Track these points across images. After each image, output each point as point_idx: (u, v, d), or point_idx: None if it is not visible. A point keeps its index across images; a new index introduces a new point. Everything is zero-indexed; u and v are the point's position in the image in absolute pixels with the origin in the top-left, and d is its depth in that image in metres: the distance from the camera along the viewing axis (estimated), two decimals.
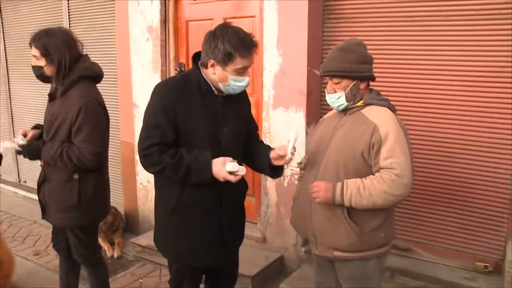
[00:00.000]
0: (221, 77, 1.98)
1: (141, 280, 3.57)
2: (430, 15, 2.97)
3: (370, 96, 2.10)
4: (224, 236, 2.17)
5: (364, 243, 2.03)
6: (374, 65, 2.12)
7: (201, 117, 2.02)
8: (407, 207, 3.24)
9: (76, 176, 2.47)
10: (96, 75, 2.55)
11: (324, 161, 2.09)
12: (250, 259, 3.54)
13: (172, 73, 4.05)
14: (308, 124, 3.36)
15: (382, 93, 2.19)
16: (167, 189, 2.12)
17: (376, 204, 1.95)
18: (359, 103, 2.09)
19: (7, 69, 5.91)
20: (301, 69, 3.30)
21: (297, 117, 3.37)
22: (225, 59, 1.93)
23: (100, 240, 4.17)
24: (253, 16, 3.59)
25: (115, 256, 4.04)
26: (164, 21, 3.98)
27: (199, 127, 2.02)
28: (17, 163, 6.01)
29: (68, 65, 2.40)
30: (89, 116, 2.37)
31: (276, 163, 2.13)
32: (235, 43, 1.91)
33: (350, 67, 2.02)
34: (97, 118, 2.44)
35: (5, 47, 5.85)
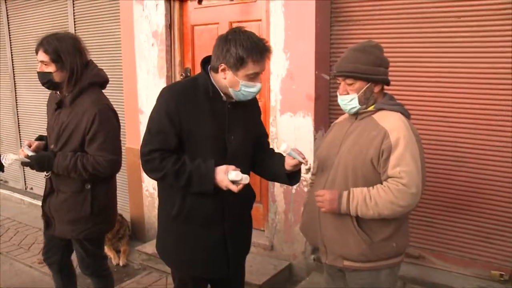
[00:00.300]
0: (232, 82, 1.92)
1: None
2: (442, 16, 2.90)
3: (382, 100, 2.02)
4: (227, 247, 2.10)
5: (375, 253, 1.95)
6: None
7: (207, 123, 1.96)
8: (420, 213, 3.15)
9: (88, 187, 2.40)
10: (103, 81, 2.50)
11: (334, 167, 2.02)
12: (258, 267, 3.47)
13: (178, 78, 4.00)
14: (316, 129, 3.29)
15: (395, 95, 2.12)
16: (169, 196, 2.06)
17: (383, 215, 1.88)
18: (371, 108, 2.01)
19: (14, 77, 5.91)
20: (309, 73, 3.24)
21: (305, 122, 3.30)
22: (237, 64, 1.87)
23: (106, 248, 4.12)
24: (259, 20, 3.54)
25: (121, 264, 3.98)
26: (169, 26, 3.94)
27: (205, 133, 1.96)
28: (23, 170, 5.99)
29: (80, 71, 2.34)
30: (104, 123, 2.32)
31: (293, 168, 2.03)
32: (248, 48, 1.85)
33: (365, 68, 1.94)
34: (111, 125, 2.39)
35: (12, 55, 5.85)
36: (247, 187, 2.20)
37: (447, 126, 3.00)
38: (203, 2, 3.84)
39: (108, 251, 4.08)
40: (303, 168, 2.00)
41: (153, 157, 1.92)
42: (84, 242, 2.52)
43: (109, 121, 2.36)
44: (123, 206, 4.64)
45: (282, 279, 3.49)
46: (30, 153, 2.36)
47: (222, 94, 2.00)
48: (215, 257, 2.10)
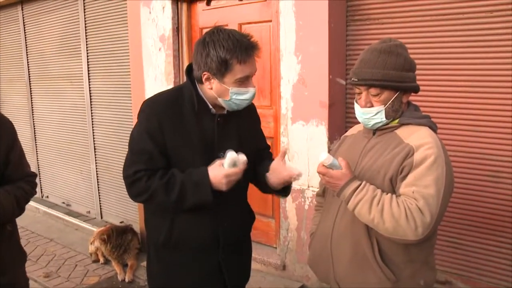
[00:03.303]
0: (219, 91, 1.67)
1: None
2: (471, 11, 2.55)
3: (406, 113, 1.69)
4: (224, 277, 1.86)
5: None
6: None
7: (194, 141, 1.72)
8: (448, 233, 2.80)
9: (10, 227, 1.87)
10: None
11: None
12: None
13: None
14: (330, 139, 2.99)
15: (418, 104, 1.80)
16: (155, 223, 1.83)
17: (379, 227, 1.53)
18: (394, 123, 1.68)
19: (30, 85, 5.84)
20: (322, 77, 2.95)
21: (319, 132, 3.02)
22: (221, 69, 1.62)
23: (113, 263, 3.95)
24: (270, 21, 3.28)
25: (126, 280, 3.76)
26: (176, 29, 3.74)
27: (192, 151, 1.72)
28: (39, 177, 5.92)
29: None
30: (17, 135, 1.87)
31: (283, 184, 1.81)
32: (230, 47, 1.60)
33: (396, 75, 1.59)
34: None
35: (28, 62, 5.79)
36: (245, 209, 2.00)
37: (481, 137, 2.63)
38: (212, 3, 3.62)
39: (115, 265, 3.91)
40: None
41: (138, 177, 1.67)
42: None
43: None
44: (133, 217, 4.46)
45: None
46: None
47: (210, 107, 1.75)
48: None
